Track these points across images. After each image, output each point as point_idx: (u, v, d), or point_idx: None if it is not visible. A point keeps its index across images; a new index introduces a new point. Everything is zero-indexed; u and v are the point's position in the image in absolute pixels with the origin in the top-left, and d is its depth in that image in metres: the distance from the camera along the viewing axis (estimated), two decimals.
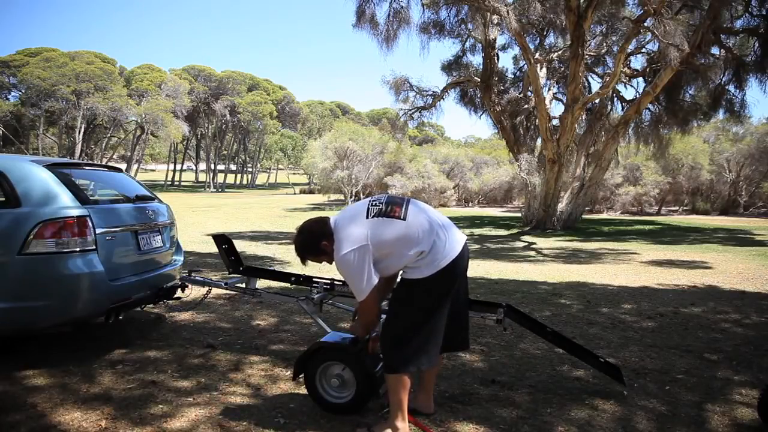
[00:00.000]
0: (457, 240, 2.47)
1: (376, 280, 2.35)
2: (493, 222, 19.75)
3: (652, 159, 23.60)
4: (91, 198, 3.53)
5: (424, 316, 2.40)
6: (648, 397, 2.96)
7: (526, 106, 17.80)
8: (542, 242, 12.97)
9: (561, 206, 16.36)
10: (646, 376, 3.28)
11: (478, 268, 7.98)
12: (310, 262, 2.57)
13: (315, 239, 2.45)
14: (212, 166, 54.90)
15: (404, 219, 2.37)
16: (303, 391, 2.83)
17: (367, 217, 2.37)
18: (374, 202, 2.44)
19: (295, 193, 46.77)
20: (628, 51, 15.30)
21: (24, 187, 3.12)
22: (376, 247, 2.33)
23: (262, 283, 4.12)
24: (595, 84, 18.84)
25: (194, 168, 67.34)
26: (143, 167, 61.57)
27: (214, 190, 51.44)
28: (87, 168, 4.06)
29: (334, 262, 2.42)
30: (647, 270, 8.19)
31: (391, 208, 2.39)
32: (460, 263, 2.45)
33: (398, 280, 2.58)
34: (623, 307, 5.23)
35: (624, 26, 15.51)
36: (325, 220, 2.50)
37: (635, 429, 2.59)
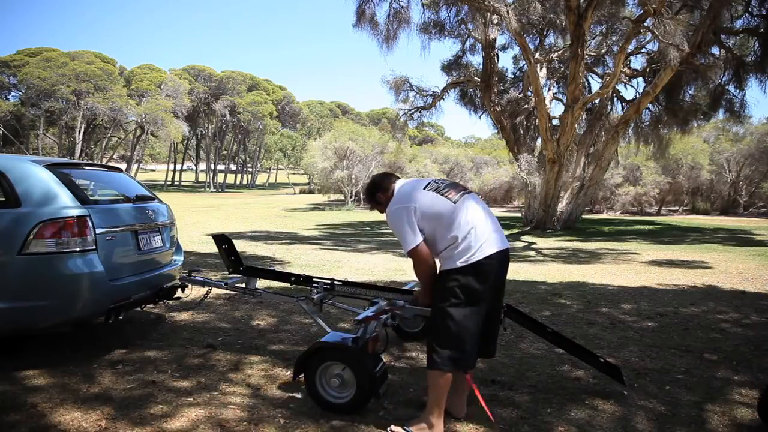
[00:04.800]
0: (494, 240, 2.51)
1: (420, 237, 2.49)
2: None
3: (652, 159, 23.62)
4: (91, 198, 3.53)
5: (456, 313, 2.41)
6: (648, 397, 2.96)
7: (526, 106, 17.80)
8: (542, 242, 12.97)
9: (561, 206, 16.36)
10: (646, 376, 3.28)
11: None
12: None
13: (374, 188, 2.77)
14: (212, 166, 54.90)
15: (454, 203, 2.52)
16: (303, 390, 2.83)
17: (424, 189, 2.60)
18: (436, 180, 2.68)
19: (295, 193, 46.79)
20: (628, 51, 15.30)
21: (24, 187, 3.12)
22: (420, 214, 2.50)
23: (262, 283, 4.13)
24: (595, 84, 18.88)
25: (194, 168, 67.34)
26: (143, 167, 61.60)
27: (214, 190, 51.43)
28: (87, 168, 4.05)
29: (385, 214, 2.69)
30: (647, 270, 8.19)
31: (448, 189, 2.60)
32: (493, 264, 2.46)
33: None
34: (623, 307, 5.23)
35: (624, 26, 15.51)
36: (391, 177, 2.81)
37: (635, 429, 2.59)
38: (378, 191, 2.76)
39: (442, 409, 2.45)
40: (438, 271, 2.59)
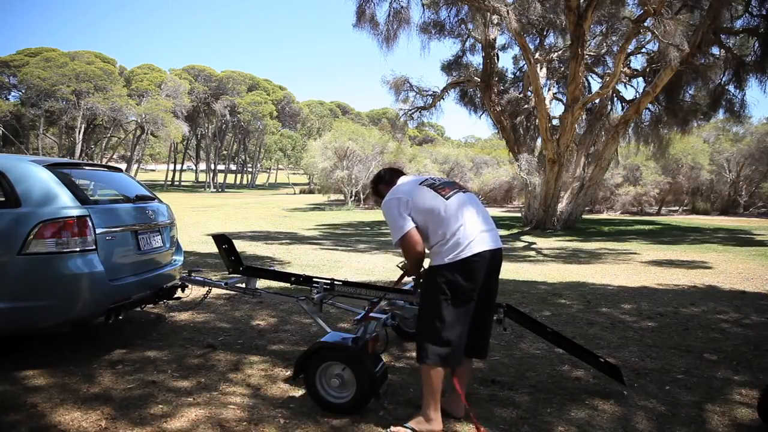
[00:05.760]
0: (485, 238, 2.52)
1: (411, 224, 2.51)
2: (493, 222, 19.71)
3: (652, 159, 23.61)
4: (91, 198, 3.53)
5: (443, 309, 2.43)
6: (648, 397, 2.96)
7: (526, 106, 17.79)
8: (542, 242, 12.97)
9: (561, 206, 16.35)
10: (646, 376, 3.28)
11: None
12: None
13: (378, 180, 2.87)
14: (212, 166, 54.89)
15: (446, 199, 2.55)
16: (303, 390, 2.83)
17: (420, 184, 2.64)
18: (433, 178, 2.74)
19: (295, 193, 46.78)
20: (628, 51, 15.29)
21: (24, 187, 3.12)
22: (413, 207, 2.54)
23: (262, 283, 4.12)
24: (595, 84, 18.87)
25: (194, 168, 67.32)
26: (143, 167, 61.56)
27: (214, 190, 51.43)
28: (87, 168, 4.05)
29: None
30: (647, 270, 8.19)
31: (442, 186, 2.64)
32: (482, 263, 2.47)
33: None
34: (623, 307, 5.23)
35: (624, 26, 15.50)
36: (396, 172, 2.88)
37: (635, 429, 2.59)
38: (380, 183, 2.82)
39: (438, 402, 2.46)
40: (428, 267, 2.61)
